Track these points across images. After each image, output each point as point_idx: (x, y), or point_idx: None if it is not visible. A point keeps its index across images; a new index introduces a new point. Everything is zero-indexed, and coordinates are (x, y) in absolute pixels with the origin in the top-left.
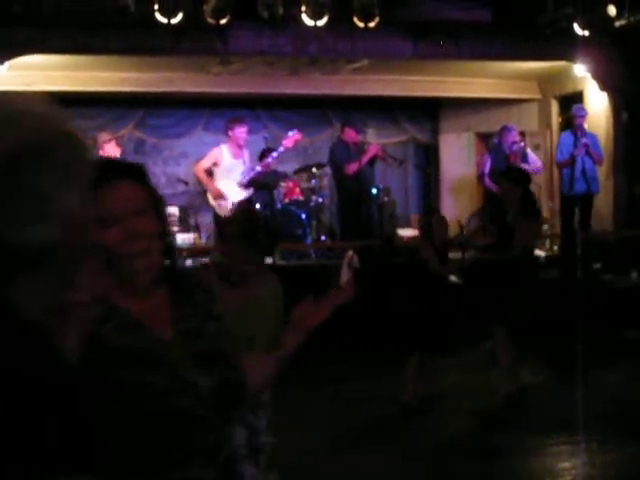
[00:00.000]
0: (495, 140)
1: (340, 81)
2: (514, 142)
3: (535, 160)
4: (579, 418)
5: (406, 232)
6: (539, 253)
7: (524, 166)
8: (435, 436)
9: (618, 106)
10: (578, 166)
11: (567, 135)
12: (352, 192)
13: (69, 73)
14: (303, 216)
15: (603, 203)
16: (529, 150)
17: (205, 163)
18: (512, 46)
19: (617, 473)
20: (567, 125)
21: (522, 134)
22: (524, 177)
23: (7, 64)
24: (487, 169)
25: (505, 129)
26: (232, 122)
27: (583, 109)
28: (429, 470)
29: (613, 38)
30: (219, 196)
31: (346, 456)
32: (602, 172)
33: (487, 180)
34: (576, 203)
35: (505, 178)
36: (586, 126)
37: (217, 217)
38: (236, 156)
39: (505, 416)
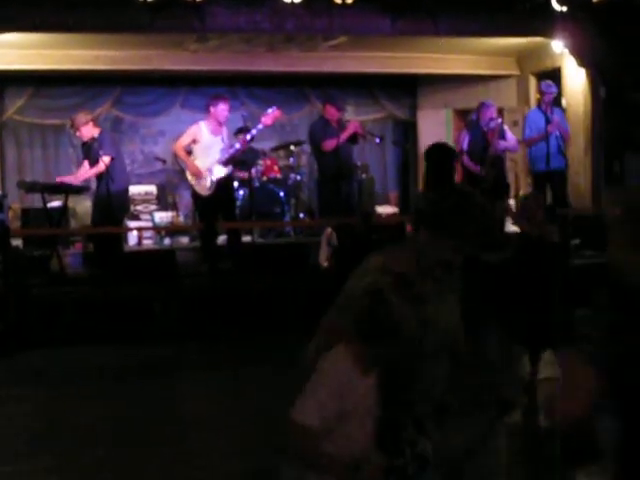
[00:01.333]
0: (473, 116)
1: (318, 58)
2: (491, 118)
3: (512, 137)
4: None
5: (385, 209)
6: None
7: (501, 143)
8: None
9: (596, 82)
10: (553, 142)
11: (535, 112)
12: (331, 169)
13: (44, 51)
14: (281, 194)
15: (581, 179)
16: (506, 127)
17: (184, 140)
18: (490, 22)
19: None
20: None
21: (500, 111)
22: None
23: None
24: (465, 146)
25: (483, 105)
26: (214, 99)
27: (552, 85)
28: None
29: (591, 14)
30: (198, 174)
31: None
32: (580, 148)
33: (465, 158)
34: (550, 179)
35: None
36: (564, 102)
37: (195, 195)
38: (215, 133)
39: None
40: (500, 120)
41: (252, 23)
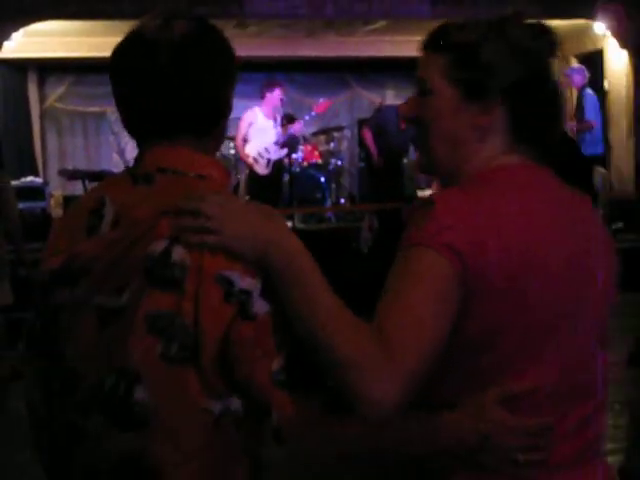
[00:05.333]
0: None
1: (357, 43)
2: None
3: None
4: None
5: (427, 193)
6: None
7: None
8: None
9: (638, 64)
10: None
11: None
12: (375, 157)
13: (85, 39)
14: (322, 179)
15: (624, 162)
16: None
17: (242, 130)
18: (531, 4)
19: None
20: (588, 84)
21: None
22: None
23: (22, 30)
24: None
25: None
26: (270, 85)
27: (568, 69)
28: None
29: None
30: (253, 159)
31: None
32: (623, 131)
33: None
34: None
35: None
36: (606, 85)
37: (253, 177)
38: (268, 117)
39: None
40: None
41: (291, 8)
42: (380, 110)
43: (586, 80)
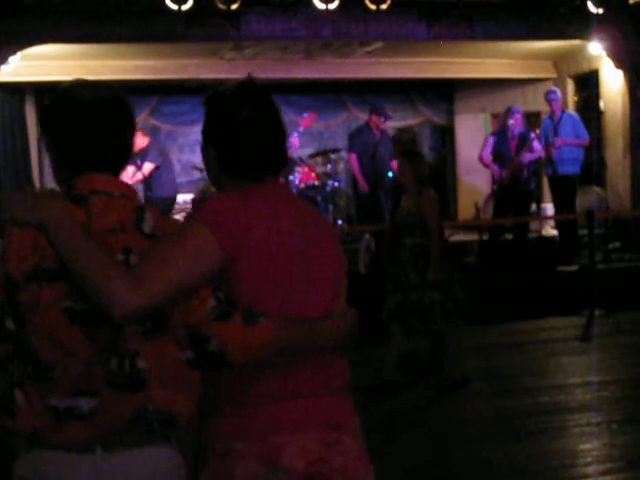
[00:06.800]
0: (502, 120)
1: (354, 64)
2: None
3: (538, 148)
4: (599, 399)
5: None
6: (552, 232)
7: (527, 156)
8: (453, 418)
9: (633, 84)
10: (562, 149)
11: (546, 120)
12: (369, 175)
13: (82, 62)
14: (319, 200)
15: (620, 181)
16: (534, 135)
17: None
18: (526, 26)
19: (638, 454)
20: (584, 104)
21: (537, 114)
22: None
23: (19, 54)
24: (489, 149)
25: (508, 111)
26: None
27: (554, 92)
28: (450, 452)
29: (628, 15)
30: None
31: None
32: (619, 151)
33: (489, 160)
34: (564, 184)
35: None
36: (602, 105)
37: None
38: None
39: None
40: (523, 129)
41: (288, 30)
42: (361, 130)
43: (560, 102)
